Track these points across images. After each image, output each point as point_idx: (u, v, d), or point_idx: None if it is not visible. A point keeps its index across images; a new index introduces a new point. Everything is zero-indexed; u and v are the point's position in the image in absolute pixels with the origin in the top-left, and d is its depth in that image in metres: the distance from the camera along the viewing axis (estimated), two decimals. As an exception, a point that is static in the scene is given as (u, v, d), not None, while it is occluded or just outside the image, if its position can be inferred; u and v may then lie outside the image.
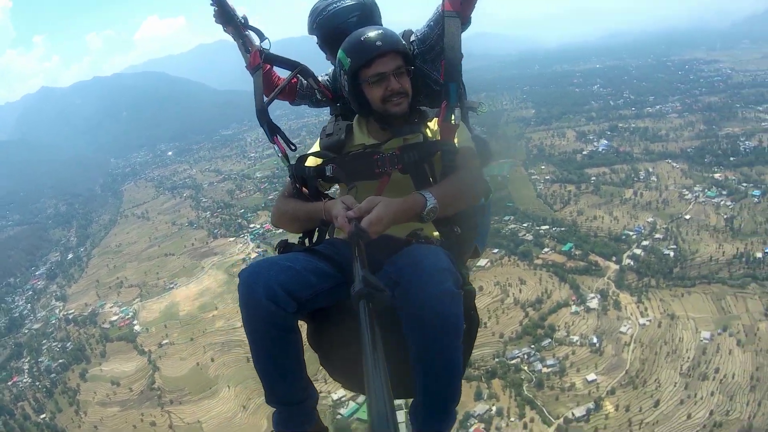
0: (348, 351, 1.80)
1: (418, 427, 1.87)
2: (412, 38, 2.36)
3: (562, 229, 49.78)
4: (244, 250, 56.42)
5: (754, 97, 76.46)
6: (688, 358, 36.18)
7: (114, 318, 49.67)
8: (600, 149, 65.42)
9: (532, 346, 36.71)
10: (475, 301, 1.97)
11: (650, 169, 58.73)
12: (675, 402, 33.29)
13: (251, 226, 61.39)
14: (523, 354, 36.00)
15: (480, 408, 32.13)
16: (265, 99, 2.36)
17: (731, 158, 59.00)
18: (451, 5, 2.07)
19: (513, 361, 35.39)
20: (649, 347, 37.02)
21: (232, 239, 60.02)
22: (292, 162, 2.23)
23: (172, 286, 53.85)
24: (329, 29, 2.39)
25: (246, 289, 1.75)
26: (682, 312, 39.55)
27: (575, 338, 37.17)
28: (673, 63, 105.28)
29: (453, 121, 2.05)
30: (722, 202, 51.26)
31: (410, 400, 1.89)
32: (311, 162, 2.19)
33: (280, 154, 2.25)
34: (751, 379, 33.72)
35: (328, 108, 2.66)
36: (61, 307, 53.94)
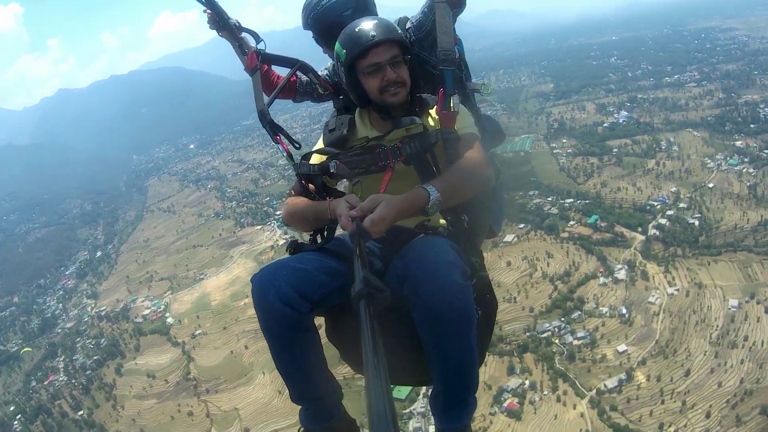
0: None
1: (438, 416, 1.92)
2: (408, 25, 2.32)
3: (587, 201, 49.18)
4: (272, 237, 56.85)
5: None
6: (717, 326, 35.92)
7: (146, 312, 50.21)
8: (621, 121, 64.30)
9: (563, 319, 36.56)
10: (491, 285, 2.02)
11: (671, 139, 57.57)
12: (705, 371, 33.21)
13: (278, 213, 60.83)
14: (554, 327, 35.92)
15: (513, 382, 32.24)
16: (266, 99, 2.36)
17: (752, 125, 57.76)
18: None
19: (544, 335, 35.33)
20: (677, 316, 36.85)
21: (259, 227, 60.36)
22: (297, 160, 2.22)
23: (202, 277, 54.32)
24: (324, 24, 2.36)
25: (259, 294, 1.77)
26: (709, 281, 39.23)
27: (605, 310, 37.03)
28: (689, 32, 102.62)
29: (452, 108, 1.99)
30: (744, 170, 50.38)
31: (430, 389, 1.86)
32: (315, 159, 2.17)
33: (284, 154, 2.25)
34: None
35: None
36: (92, 305, 54.20)
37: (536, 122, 70.35)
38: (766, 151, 52.81)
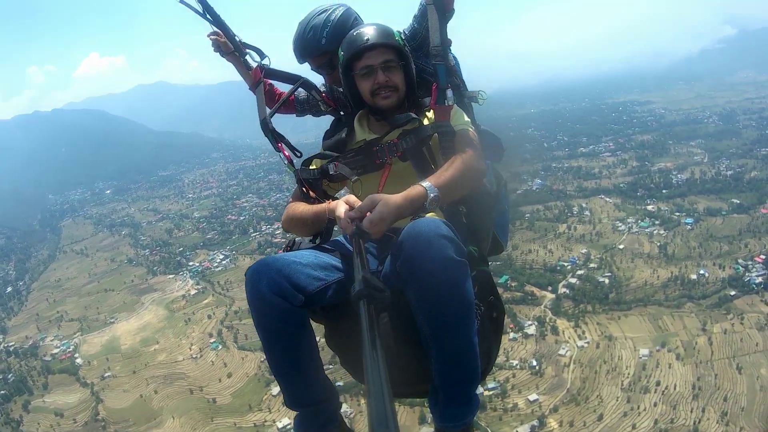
0: None
1: (437, 415, 2.57)
2: (402, 38, 3.09)
3: (498, 263, 65.34)
4: (184, 287, 76.84)
5: (687, 134, 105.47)
6: (629, 374, 51.10)
7: (55, 351, 65.54)
8: (534, 188, 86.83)
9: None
10: (496, 288, 2.81)
11: (584, 205, 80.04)
12: (618, 414, 47.19)
13: (190, 264, 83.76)
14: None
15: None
16: (268, 111, 3.47)
17: (664, 191, 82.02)
18: None
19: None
20: (588, 366, 51.56)
21: (171, 276, 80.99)
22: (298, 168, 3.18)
23: (112, 320, 71.83)
24: (344, 35, 3.08)
25: (251, 286, 2.44)
26: (619, 333, 55.39)
27: (515, 362, 50.92)
28: (606, 105, 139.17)
29: (447, 103, 2.83)
30: (655, 231, 71.58)
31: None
32: (315, 164, 3.11)
33: (285, 161, 3.26)
34: (693, 389, 48.98)
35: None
36: (0, 340, 70.13)
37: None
38: (677, 213, 75.50)
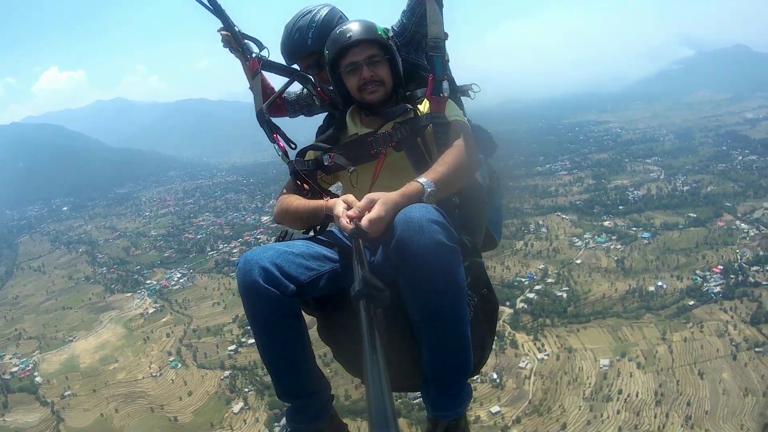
0: (361, 345, 2.49)
1: (429, 403, 2.86)
2: (390, 33, 3.39)
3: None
4: (142, 306, 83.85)
5: (643, 152, 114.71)
6: (590, 383, 55.87)
7: (14, 369, 70.24)
8: None
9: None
10: (490, 282, 3.17)
11: (540, 222, 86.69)
12: (582, 423, 51.65)
13: (148, 282, 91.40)
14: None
15: (384, 448, 46.96)
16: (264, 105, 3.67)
17: (620, 207, 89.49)
18: None
19: (416, 401, 51.11)
20: (549, 378, 56.10)
21: (129, 295, 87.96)
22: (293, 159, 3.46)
23: (71, 339, 77.04)
24: (329, 34, 3.39)
25: (243, 275, 2.67)
26: (579, 345, 60.35)
27: (475, 376, 54.80)
28: (563, 125, 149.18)
29: (443, 94, 3.13)
30: (612, 246, 78.20)
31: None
32: (309, 156, 3.42)
33: (280, 153, 3.49)
34: (656, 395, 54.00)
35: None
36: None
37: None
38: (634, 228, 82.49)
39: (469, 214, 3.11)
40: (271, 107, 3.75)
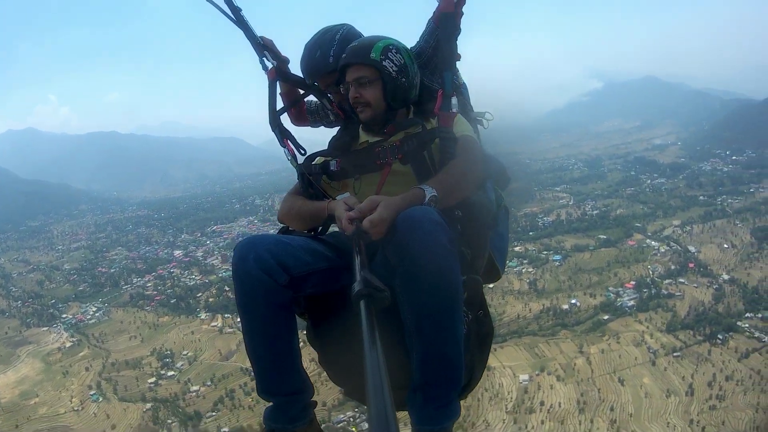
0: (350, 352, 2.77)
1: (415, 414, 3.18)
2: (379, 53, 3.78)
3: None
4: (59, 340, 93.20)
5: (552, 180, 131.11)
6: (512, 398, 66.49)
7: None
8: None
9: (356, 409, 61.88)
10: (486, 305, 3.68)
11: None
12: (508, 435, 61.84)
13: (63, 316, 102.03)
14: (348, 417, 60.97)
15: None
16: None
17: (530, 233, 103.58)
18: (443, 9, 3.82)
19: (340, 425, 59.77)
20: (470, 396, 66.08)
21: (45, 329, 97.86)
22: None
23: None
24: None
25: (238, 260, 3.14)
26: (497, 363, 71.01)
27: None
28: None
29: (451, 110, 3.65)
30: (524, 270, 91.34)
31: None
32: (318, 161, 4.04)
33: (289, 156, 4.08)
34: (578, 404, 65.13)
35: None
36: None
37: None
38: (545, 252, 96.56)
39: (470, 229, 3.43)
40: (293, 115, 4.91)
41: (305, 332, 3.84)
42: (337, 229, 3.46)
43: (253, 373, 3.47)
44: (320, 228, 3.76)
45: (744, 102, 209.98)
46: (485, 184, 3.84)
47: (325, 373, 4.01)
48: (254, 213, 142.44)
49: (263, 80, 4.21)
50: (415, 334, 3.01)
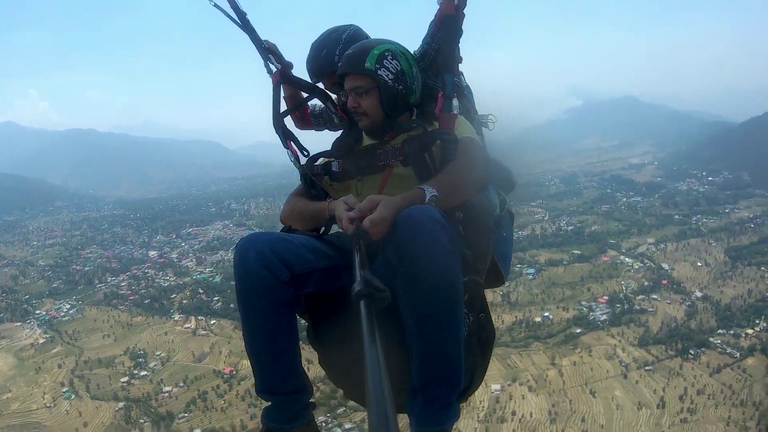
0: (350, 353, 2.94)
1: (414, 416, 3.18)
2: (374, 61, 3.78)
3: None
4: (32, 336, 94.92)
5: (527, 196, 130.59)
6: (483, 407, 67.67)
7: None
8: None
9: (328, 414, 63.13)
10: (489, 308, 3.69)
11: None
12: (479, 444, 63.12)
13: (37, 312, 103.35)
14: (321, 422, 61.49)
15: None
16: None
17: None
18: (444, 11, 3.89)
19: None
20: (441, 405, 67.73)
21: (18, 324, 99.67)
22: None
23: None
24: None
25: (240, 256, 3.18)
26: (468, 373, 72.57)
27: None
28: None
29: (452, 111, 3.70)
30: None
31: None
32: (321, 161, 4.11)
33: (292, 158, 4.20)
34: (550, 414, 66.62)
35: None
36: None
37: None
38: (519, 265, 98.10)
39: (472, 231, 3.43)
40: (297, 119, 5.07)
41: (306, 332, 3.91)
42: (339, 229, 3.45)
43: (252, 373, 3.51)
44: (322, 229, 3.89)
45: (723, 124, 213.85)
46: (487, 187, 3.89)
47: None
48: (230, 217, 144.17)
49: (264, 84, 4.43)
50: (416, 335, 3.02)
